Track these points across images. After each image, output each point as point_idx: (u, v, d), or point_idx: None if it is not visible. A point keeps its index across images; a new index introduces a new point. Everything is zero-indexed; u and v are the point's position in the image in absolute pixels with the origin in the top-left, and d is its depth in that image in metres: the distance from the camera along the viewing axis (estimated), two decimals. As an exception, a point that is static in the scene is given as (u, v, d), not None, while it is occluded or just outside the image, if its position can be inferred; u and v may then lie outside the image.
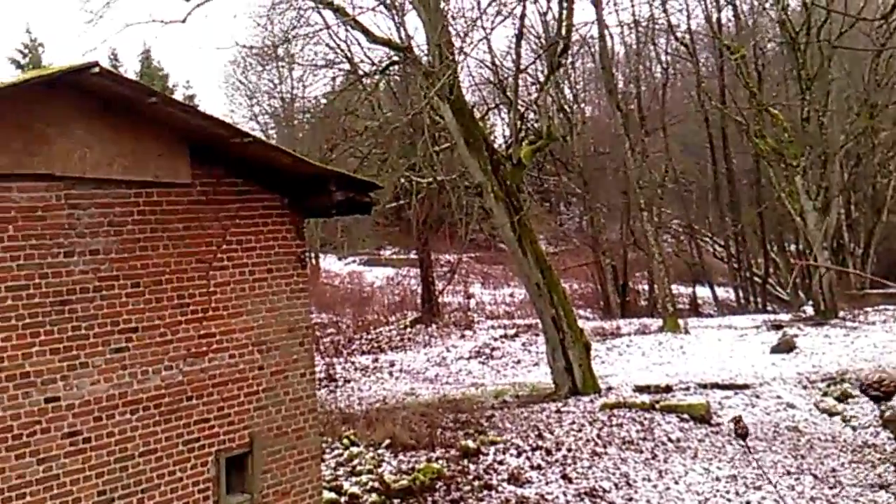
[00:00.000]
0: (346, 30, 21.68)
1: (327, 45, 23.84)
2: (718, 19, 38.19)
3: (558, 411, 19.53)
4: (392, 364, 28.11)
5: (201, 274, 9.38)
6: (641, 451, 16.95)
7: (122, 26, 19.99)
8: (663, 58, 40.28)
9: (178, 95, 50.82)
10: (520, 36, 21.75)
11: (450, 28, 20.60)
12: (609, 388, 21.26)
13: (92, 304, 8.37)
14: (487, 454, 16.65)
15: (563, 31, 21.75)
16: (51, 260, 8.07)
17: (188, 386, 9.16)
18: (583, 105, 45.37)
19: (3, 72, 48.23)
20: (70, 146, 8.17)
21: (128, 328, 8.66)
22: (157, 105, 8.55)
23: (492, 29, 21.56)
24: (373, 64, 22.80)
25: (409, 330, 33.50)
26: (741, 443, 16.84)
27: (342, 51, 23.48)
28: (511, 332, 31.65)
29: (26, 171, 7.86)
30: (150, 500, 8.75)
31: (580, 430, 18.04)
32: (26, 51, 50.22)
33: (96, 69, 7.71)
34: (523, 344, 29.77)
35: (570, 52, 23.35)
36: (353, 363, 28.40)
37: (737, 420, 17.67)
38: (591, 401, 20.24)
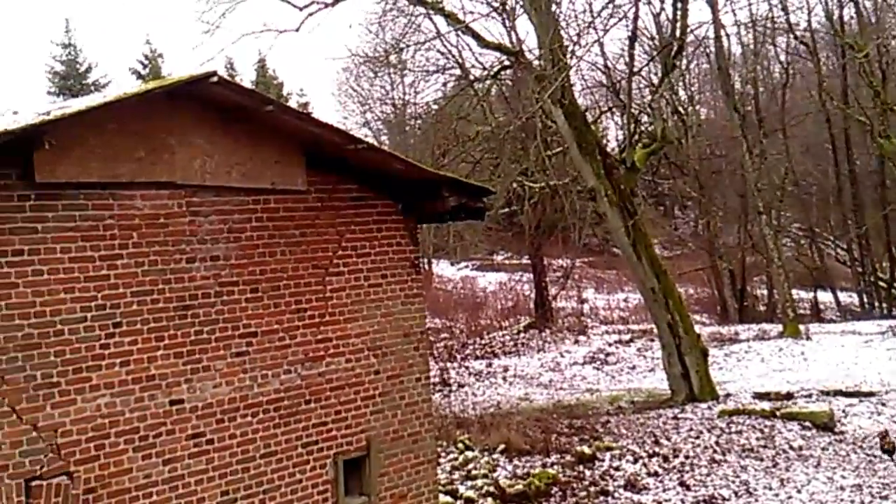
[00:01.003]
0: (458, 35, 21.72)
1: (438, 50, 23.96)
2: (840, 17, 36.84)
3: (675, 418, 19.14)
4: (505, 369, 28.03)
5: (318, 279, 9.50)
6: (762, 459, 16.43)
7: (238, 36, 20.53)
8: (782, 57, 39.11)
9: (292, 103, 51.91)
10: (633, 38, 21.40)
11: (561, 31, 20.43)
12: (727, 395, 20.75)
13: (213, 308, 8.57)
14: (603, 460, 16.41)
15: (678, 32, 21.32)
16: (173, 266, 8.30)
17: (306, 389, 9.28)
18: (698, 107, 44.39)
19: (124, 82, 50.18)
20: (190, 155, 8.38)
21: (248, 332, 8.83)
22: (273, 113, 8.70)
23: (605, 32, 21.27)
24: (484, 69, 22.79)
25: (522, 335, 33.37)
26: (888, 458, 16.10)
27: (453, 56, 23.56)
28: (626, 337, 31.21)
29: (149, 180, 8.10)
30: (272, 501, 8.90)
31: (698, 437, 17.63)
32: (146, 61, 52.11)
33: (215, 78, 7.89)
34: (638, 349, 29.32)
35: (684, 53, 22.88)
36: (466, 368, 28.43)
37: (883, 435, 16.89)
38: (709, 407, 19.82)
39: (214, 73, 7.86)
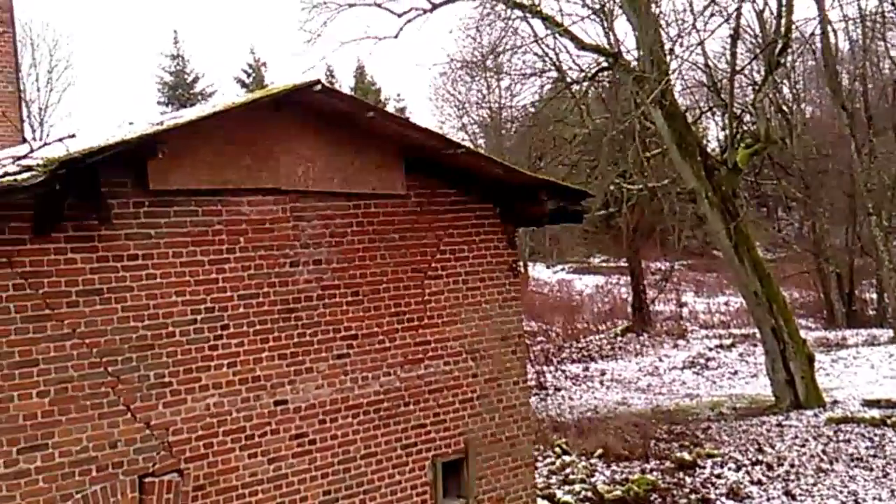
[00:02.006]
0: (555, 38, 21.63)
1: (535, 53, 23.89)
2: (956, 8, 35.38)
3: (779, 425, 18.69)
4: (603, 373, 27.79)
5: (417, 283, 9.62)
6: (871, 469, 15.92)
7: (339, 44, 20.86)
8: (893, 53, 37.76)
9: (390, 108, 52.52)
10: (735, 36, 21.00)
11: (661, 31, 20.18)
12: (834, 402, 20.18)
13: (315, 311, 8.75)
14: (704, 467, 16.13)
15: (782, 29, 20.83)
16: (278, 270, 8.51)
17: (405, 392, 9.40)
18: (803, 105, 43.23)
19: (229, 91, 51.45)
20: (294, 161, 8.59)
21: (349, 335, 9.00)
22: (374, 119, 8.85)
23: (710, 33, 20.97)
24: (581, 71, 22.64)
25: (619, 339, 33.03)
26: None
27: (550, 59, 23.45)
28: (727, 341, 30.59)
29: (255, 186, 8.33)
30: (372, 502, 9.04)
31: (804, 446, 17.18)
32: (251, 70, 53.34)
33: (318, 87, 8.07)
34: (740, 354, 28.71)
35: (789, 50, 22.32)
36: (563, 371, 28.28)
37: None
38: (815, 415, 19.31)
39: (318, 82, 8.04)
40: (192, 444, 7.84)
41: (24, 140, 17.29)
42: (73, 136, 7.53)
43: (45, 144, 7.13)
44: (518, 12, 20.99)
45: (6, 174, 6.45)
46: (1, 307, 6.88)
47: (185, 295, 7.85)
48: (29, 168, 6.46)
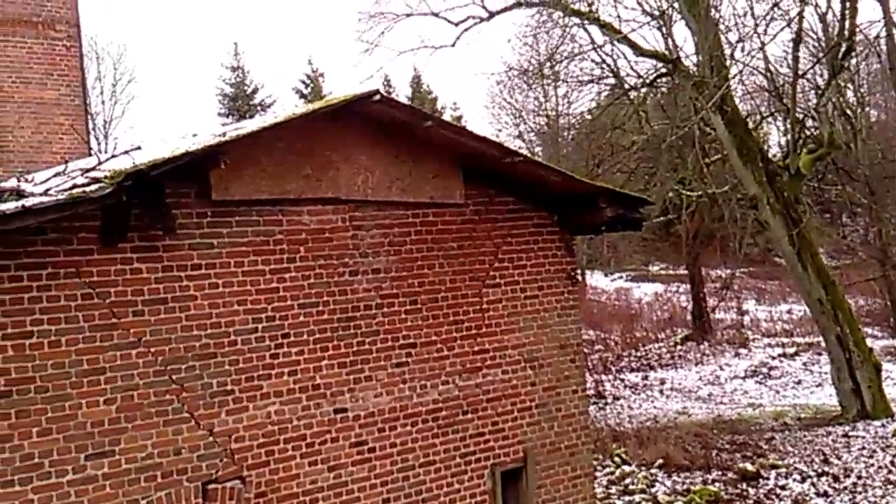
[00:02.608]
0: (612, 44, 21.52)
1: (592, 60, 23.77)
2: None
3: (846, 435, 18.33)
4: (662, 382, 27.49)
5: (475, 291, 9.62)
6: (943, 482, 15.53)
7: (395, 54, 20.97)
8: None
9: (446, 117, 52.60)
10: (797, 40, 20.68)
11: (721, 36, 19.96)
12: (903, 413, 19.72)
13: (374, 320, 8.81)
14: (768, 478, 15.88)
15: (846, 32, 20.46)
16: (337, 279, 8.58)
17: (464, 400, 9.41)
18: (868, 109, 42.37)
19: (288, 101, 52.04)
20: (353, 170, 8.67)
21: (407, 344, 9.04)
22: (432, 128, 8.89)
23: (772, 38, 20.63)
24: (639, 77, 22.47)
25: (679, 347, 32.64)
26: None
27: (608, 65, 23.30)
28: (790, 350, 30.07)
29: (315, 196, 8.42)
30: (430, 510, 9.06)
31: (871, 457, 16.82)
32: (308, 81, 53.88)
33: (377, 97, 8.14)
34: (804, 363, 28.20)
35: (853, 53, 21.92)
36: (622, 380, 28.04)
37: None
38: (883, 425, 18.90)
39: (377, 92, 8.11)
40: (253, 452, 7.93)
41: (91, 152, 17.70)
42: (139, 148, 7.70)
43: (113, 157, 7.29)
44: (575, 19, 20.92)
45: (75, 186, 6.60)
46: (70, 316, 7.03)
47: (247, 304, 7.95)
48: (97, 180, 6.62)
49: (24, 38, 17.19)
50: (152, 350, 7.41)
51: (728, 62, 19.73)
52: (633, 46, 21.03)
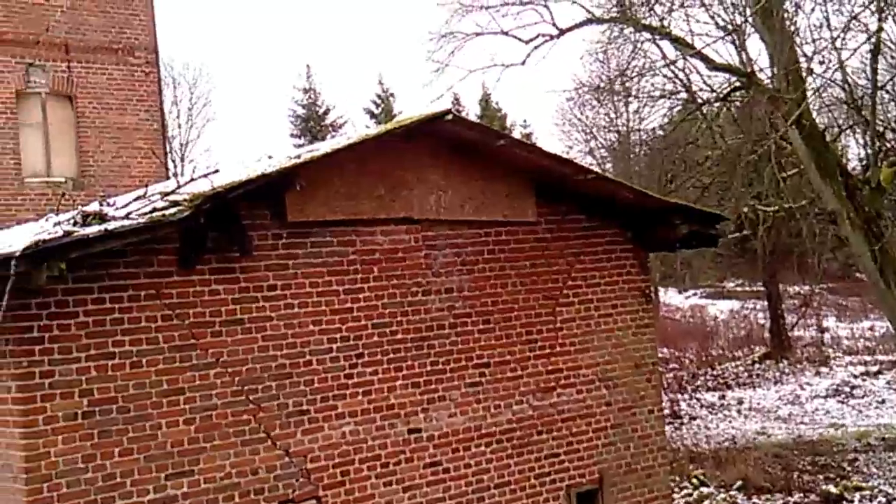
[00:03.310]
0: (684, 59, 21.27)
1: (664, 75, 23.53)
2: None
3: (933, 457, 17.76)
4: (740, 401, 26.95)
5: (548, 310, 9.56)
6: None
7: (465, 73, 20.98)
8: None
9: (516, 134, 52.55)
10: (876, 50, 20.17)
11: (797, 49, 19.60)
12: None
13: (448, 340, 8.80)
14: (852, 501, 15.46)
15: (926, 42, 19.92)
16: (411, 298, 8.60)
17: (538, 420, 9.33)
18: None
19: (359, 122, 52.56)
20: (426, 190, 8.69)
21: (481, 363, 9.01)
22: (504, 147, 8.89)
23: (852, 53, 20.14)
24: (712, 91, 22.16)
25: (757, 366, 31.98)
26: None
27: (680, 80, 23.04)
28: (873, 368, 29.25)
29: (388, 216, 8.46)
30: (505, 532, 8.98)
31: (961, 480, 16.27)
32: (379, 101, 54.37)
33: (449, 116, 8.16)
34: (888, 382, 27.40)
35: (935, 62, 21.34)
36: (698, 400, 27.56)
37: None
38: (973, 447, 18.26)
39: (449, 111, 8.14)
40: (329, 472, 7.97)
41: (169, 175, 18.11)
42: (217, 171, 7.83)
43: (191, 180, 7.42)
44: (646, 35, 20.72)
45: (154, 209, 6.74)
46: (150, 337, 7.16)
47: (322, 324, 8.02)
48: (176, 203, 6.75)
49: (104, 65, 17.69)
50: (230, 370, 7.50)
51: (805, 75, 19.34)
52: (706, 60, 20.74)
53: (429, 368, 8.65)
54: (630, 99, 30.85)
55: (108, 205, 7.53)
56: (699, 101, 22.71)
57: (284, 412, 7.75)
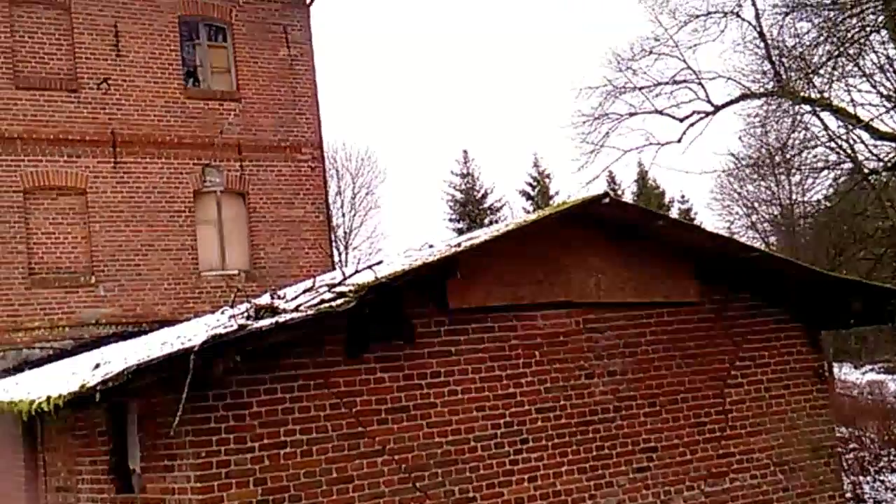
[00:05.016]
0: (847, 129, 20.61)
1: (826, 146, 22.83)
2: None
3: None
4: (929, 484, 25.14)
5: (716, 392, 9.30)
6: None
7: (620, 153, 21.04)
8: None
9: (674, 211, 51.80)
10: None
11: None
12: None
13: (613, 424, 8.67)
14: None
15: None
16: (573, 382, 8.54)
17: (710, 507, 9.01)
18: None
19: (515, 203, 52.98)
20: (584, 273, 8.69)
21: (647, 448, 8.81)
22: (663, 227, 8.81)
23: None
24: (879, 160, 21.33)
25: (946, 446, 29.84)
26: None
27: (843, 150, 22.29)
28: None
29: (548, 300, 8.49)
30: None
31: None
32: (535, 182, 54.72)
33: (607, 199, 8.18)
34: None
35: None
36: (882, 482, 25.88)
37: None
38: None
39: (606, 195, 8.16)
40: (497, 559, 7.90)
41: (334, 264, 18.75)
42: (380, 262, 8.09)
43: (356, 271, 7.69)
44: (806, 107, 20.27)
45: (322, 301, 7.00)
46: (319, 426, 7.34)
47: (485, 410, 8.05)
48: (342, 294, 6.99)
49: (273, 163, 18.63)
50: (396, 458, 7.60)
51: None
52: (871, 130, 20.04)
53: (594, 453, 8.52)
54: (792, 171, 30.02)
55: (279, 297, 7.87)
56: (865, 170, 21.89)
57: (451, 499, 7.76)
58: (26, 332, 16.15)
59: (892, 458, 29.07)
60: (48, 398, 7.30)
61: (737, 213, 44.34)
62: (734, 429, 9.32)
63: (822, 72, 18.81)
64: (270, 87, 18.88)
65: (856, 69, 19.20)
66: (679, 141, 20.76)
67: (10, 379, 13.24)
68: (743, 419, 9.39)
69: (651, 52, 21.64)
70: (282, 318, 6.72)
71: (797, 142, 21.91)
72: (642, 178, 53.87)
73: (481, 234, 8.43)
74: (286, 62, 19.10)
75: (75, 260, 16.86)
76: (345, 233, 47.06)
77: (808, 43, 18.75)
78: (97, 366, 7.82)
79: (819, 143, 21.76)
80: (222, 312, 9.05)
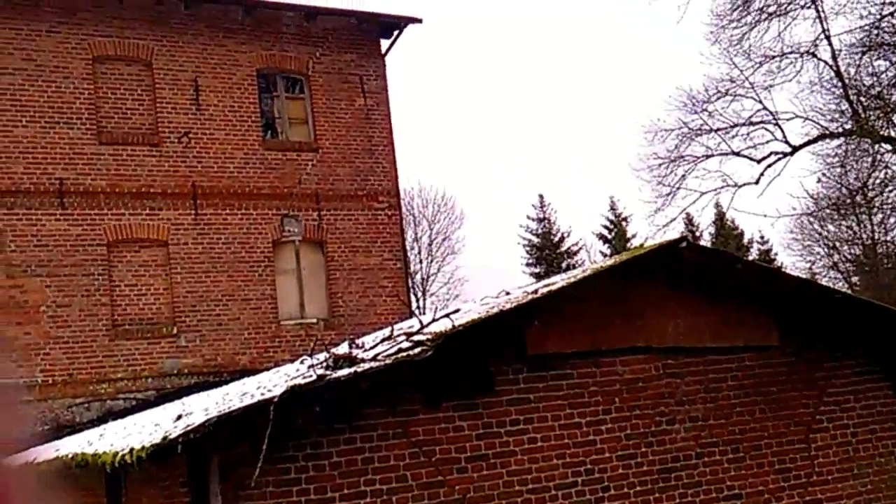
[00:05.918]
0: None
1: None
2: None
3: None
4: None
5: (800, 437, 9.10)
6: None
7: (697, 195, 20.84)
8: None
9: (753, 252, 50.89)
10: None
11: None
12: None
13: (695, 471, 8.53)
14: None
15: None
16: (654, 428, 8.45)
17: (799, 557, 8.78)
18: None
19: (592, 246, 52.66)
20: (663, 318, 8.63)
21: (731, 495, 8.64)
22: (741, 271, 8.71)
23: None
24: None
25: None
26: None
27: (928, 187, 21.78)
28: None
29: (626, 346, 8.44)
30: None
31: None
32: (611, 225, 54.39)
33: (684, 244, 8.15)
34: None
35: None
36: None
37: None
38: None
39: (683, 239, 8.14)
40: None
41: (412, 311, 18.86)
42: (458, 310, 8.15)
43: (434, 320, 7.76)
44: (886, 146, 19.90)
45: (400, 350, 7.08)
46: (399, 475, 7.36)
47: (565, 457, 8.00)
48: (419, 343, 7.06)
49: (351, 212, 18.92)
50: (476, 506, 7.59)
51: None
52: (956, 164, 19.58)
53: (677, 501, 8.38)
54: (874, 211, 29.37)
55: (357, 346, 7.98)
56: (953, 206, 21.33)
57: (532, 548, 7.72)
58: (110, 384, 16.53)
59: None
60: (131, 450, 7.43)
61: (818, 253, 43.42)
62: (821, 475, 9.10)
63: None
64: (347, 136, 19.22)
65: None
66: (757, 182, 20.53)
67: (95, 430, 13.55)
68: (829, 465, 9.16)
69: (727, 94, 21.51)
70: (360, 368, 6.81)
71: (878, 181, 21.50)
72: (720, 219, 53.11)
73: (558, 280, 8.45)
74: (362, 112, 19.44)
75: (157, 311, 17.25)
76: (422, 279, 47.30)
77: (886, 82, 18.46)
78: (179, 417, 7.96)
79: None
80: (301, 362, 9.19)
